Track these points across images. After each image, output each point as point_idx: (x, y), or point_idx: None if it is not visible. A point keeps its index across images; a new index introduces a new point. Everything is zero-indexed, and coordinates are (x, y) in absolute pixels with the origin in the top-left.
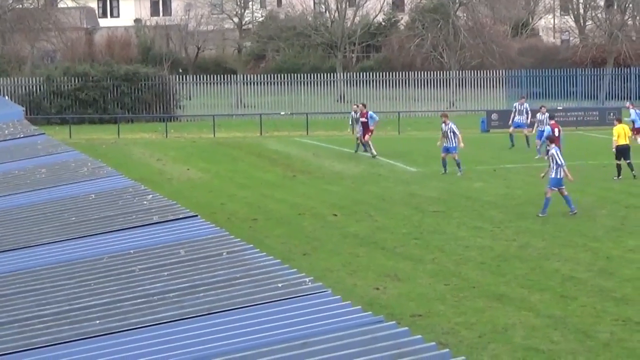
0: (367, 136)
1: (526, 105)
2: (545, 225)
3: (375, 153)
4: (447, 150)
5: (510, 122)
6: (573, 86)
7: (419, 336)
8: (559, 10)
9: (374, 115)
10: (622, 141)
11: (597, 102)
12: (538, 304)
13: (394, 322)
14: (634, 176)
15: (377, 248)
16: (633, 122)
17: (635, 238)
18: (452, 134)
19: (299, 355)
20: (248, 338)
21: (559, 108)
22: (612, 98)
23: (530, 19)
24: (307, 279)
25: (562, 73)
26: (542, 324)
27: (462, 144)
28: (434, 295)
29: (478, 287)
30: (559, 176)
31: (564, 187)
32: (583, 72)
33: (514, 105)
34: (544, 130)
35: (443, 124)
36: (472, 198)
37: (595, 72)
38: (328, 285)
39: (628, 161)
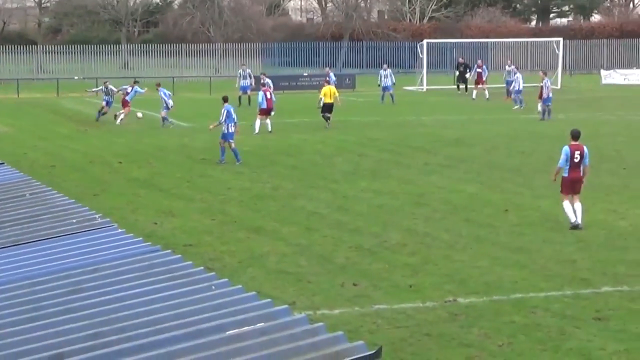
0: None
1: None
2: (294, 170)
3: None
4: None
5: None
6: (317, 56)
7: (190, 262)
8: None
9: (139, 89)
10: (328, 100)
11: (336, 70)
12: (288, 235)
13: (169, 250)
14: (327, 127)
15: (156, 190)
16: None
17: (366, 180)
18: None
19: (91, 279)
20: (50, 265)
21: (304, 74)
22: (347, 66)
23: (282, 1)
24: (97, 216)
25: (307, 46)
26: (291, 252)
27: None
28: (202, 228)
29: (239, 222)
30: (229, 131)
31: (232, 141)
32: (324, 45)
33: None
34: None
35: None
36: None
37: (334, 45)
38: (114, 221)
39: (328, 115)
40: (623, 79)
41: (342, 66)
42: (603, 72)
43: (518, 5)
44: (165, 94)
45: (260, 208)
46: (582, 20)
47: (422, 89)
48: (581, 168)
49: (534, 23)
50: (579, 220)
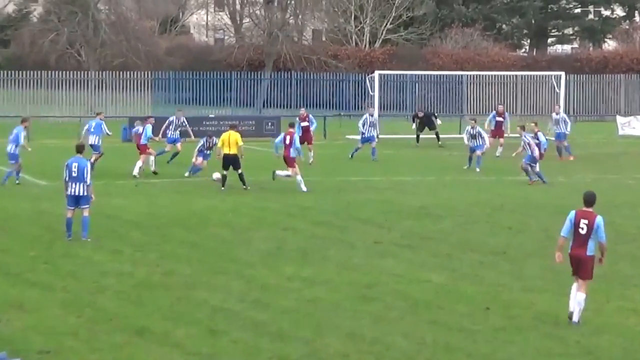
0: None
1: (183, 118)
2: (193, 249)
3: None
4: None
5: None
6: (227, 91)
7: None
8: (212, 6)
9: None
10: (227, 150)
11: (254, 110)
12: (184, 339)
13: (18, 358)
14: (222, 190)
15: (1, 274)
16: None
17: (293, 264)
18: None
19: None
20: None
21: (210, 116)
22: (270, 105)
23: (181, 15)
24: None
25: (215, 76)
26: None
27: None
28: (65, 328)
29: (116, 320)
30: (84, 193)
31: (87, 207)
32: (239, 76)
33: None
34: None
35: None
36: (111, 217)
37: (253, 76)
38: None
39: (239, 172)
40: None
41: (262, 105)
42: (620, 119)
43: (504, 26)
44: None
45: (146, 301)
46: (591, 48)
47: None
48: (589, 245)
49: (526, 50)
50: (575, 318)
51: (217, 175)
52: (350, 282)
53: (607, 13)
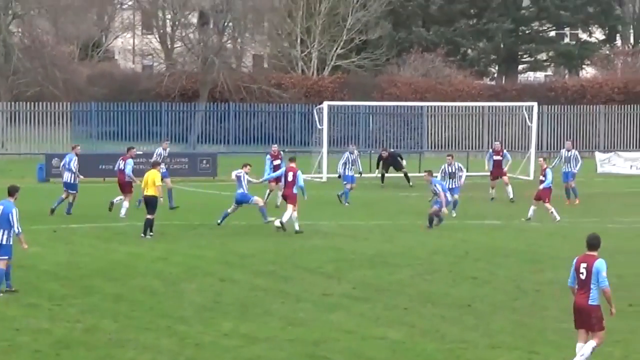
0: None
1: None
2: (119, 302)
3: None
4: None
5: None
6: (157, 125)
7: None
8: (140, 28)
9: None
10: (146, 191)
11: (187, 146)
12: None
13: None
14: (148, 235)
15: None
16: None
17: (230, 319)
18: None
19: None
20: None
21: (138, 152)
22: (205, 141)
23: (104, 39)
24: None
25: (143, 107)
26: None
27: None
28: None
29: None
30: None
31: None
32: (170, 107)
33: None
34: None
35: None
36: (25, 267)
37: (186, 108)
38: None
39: (150, 217)
40: (629, 165)
41: (197, 140)
42: (599, 156)
43: (469, 51)
44: None
45: None
46: (567, 76)
47: (321, 177)
48: (591, 292)
49: (494, 78)
50: None
51: (276, 222)
52: (296, 339)
53: (585, 36)
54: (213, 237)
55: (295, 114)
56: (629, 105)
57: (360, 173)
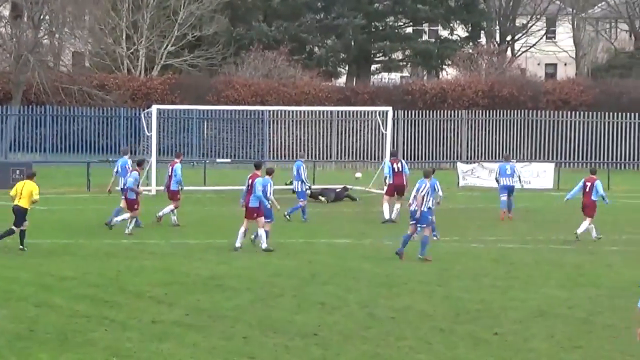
0: None
1: None
2: None
3: None
4: None
5: None
6: None
7: None
8: None
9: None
10: (17, 200)
11: (0, 155)
12: None
13: None
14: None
15: None
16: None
17: (47, 350)
18: None
19: None
20: None
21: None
22: (19, 148)
23: None
24: None
25: None
26: None
27: None
28: None
29: None
30: None
31: None
32: None
33: None
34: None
35: None
36: None
37: None
38: None
39: (20, 228)
40: (495, 178)
41: (9, 148)
42: (461, 167)
43: (316, 49)
44: None
45: None
46: (425, 77)
47: (150, 190)
48: None
49: (343, 79)
50: None
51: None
52: None
53: (445, 34)
54: (27, 256)
55: (121, 119)
56: (494, 111)
57: (310, 187)
